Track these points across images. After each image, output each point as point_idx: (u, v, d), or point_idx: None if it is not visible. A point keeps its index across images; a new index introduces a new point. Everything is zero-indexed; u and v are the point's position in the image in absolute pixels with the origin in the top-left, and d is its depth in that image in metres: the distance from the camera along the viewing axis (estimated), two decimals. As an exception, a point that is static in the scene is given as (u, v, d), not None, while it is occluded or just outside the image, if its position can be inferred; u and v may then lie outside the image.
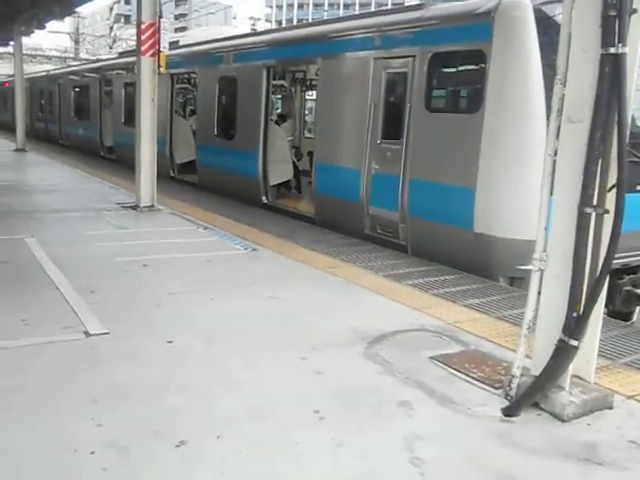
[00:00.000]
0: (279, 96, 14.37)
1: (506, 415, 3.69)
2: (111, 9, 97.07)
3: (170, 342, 4.57)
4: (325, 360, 4.39)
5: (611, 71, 3.45)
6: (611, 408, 3.81)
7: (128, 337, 4.66)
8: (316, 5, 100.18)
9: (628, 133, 3.53)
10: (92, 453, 3.07)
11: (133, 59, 11.41)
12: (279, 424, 3.46)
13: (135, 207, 10.24)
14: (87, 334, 4.63)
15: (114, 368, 4.10)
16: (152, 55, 10.11)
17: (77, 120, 22.20)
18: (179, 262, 6.96)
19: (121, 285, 6.01)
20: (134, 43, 11.99)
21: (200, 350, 4.48)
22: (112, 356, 4.29)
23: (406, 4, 10.28)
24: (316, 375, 4.14)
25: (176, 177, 14.36)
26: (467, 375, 4.22)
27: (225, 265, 6.94)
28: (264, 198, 11.00)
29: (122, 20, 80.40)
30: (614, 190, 3.53)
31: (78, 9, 21.39)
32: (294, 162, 12.22)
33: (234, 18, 72.91)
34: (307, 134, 14.46)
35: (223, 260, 7.13)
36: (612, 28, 3.42)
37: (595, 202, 3.53)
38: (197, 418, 3.48)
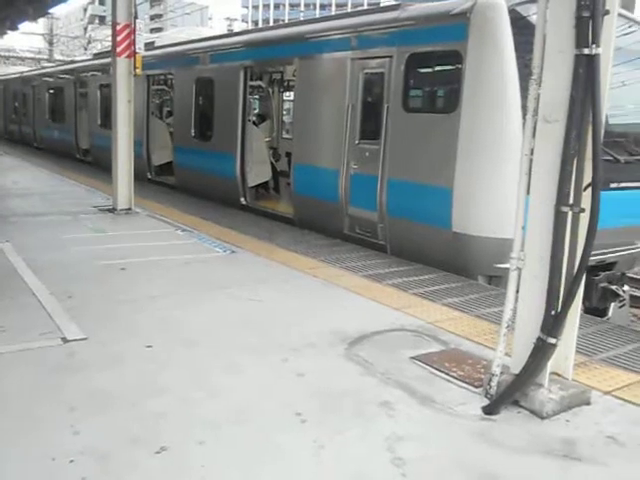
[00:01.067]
0: (256, 97, 14.34)
1: (486, 413, 3.71)
2: (85, 10, 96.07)
3: (149, 346, 4.53)
4: (306, 362, 4.38)
5: (585, 71, 3.48)
6: (589, 404, 3.86)
7: (107, 342, 4.60)
8: (292, 5, 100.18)
9: (602, 132, 3.57)
10: (71, 462, 3.02)
11: (108, 60, 11.30)
12: (261, 428, 3.45)
13: (112, 210, 10.14)
14: (65, 340, 4.57)
15: (93, 374, 4.04)
16: (128, 56, 10.02)
17: (52, 122, 21.91)
18: (157, 265, 6.90)
19: (99, 289, 5.94)
20: (109, 44, 11.90)
21: (180, 354, 4.45)
22: (90, 362, 4.24)
23: (382, 5, 10.30)
24: (297, 377, 4.13)
25: (153, 179, 14.25)
26: (447, 374, 4.24)
27: (204, 268, 6.90)
28: (242, 199, 10.96)
29: (97, 21, 79.60)
30: (590, 189, 3.57)
31: (52, 10, 21.09)
32: (272, 163, 12.19)
33: (210, 19, 72.65)
34: (285, 135, 14.45)
35: (202, 263, 7.09)
36: (586, 29, 3.46)
37: (571, 201, 3.57)
38: (178, 423, 3.45)
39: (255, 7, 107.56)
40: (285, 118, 15.14)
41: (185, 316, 5.27)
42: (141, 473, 3.00)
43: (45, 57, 47.46)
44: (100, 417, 3.48)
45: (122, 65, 10.02)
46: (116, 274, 6.46)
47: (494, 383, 3.84)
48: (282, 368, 4.27)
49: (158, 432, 3.33)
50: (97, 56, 19.78)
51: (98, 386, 3.86)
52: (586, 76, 3.49)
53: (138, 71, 10.18)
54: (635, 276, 10.70)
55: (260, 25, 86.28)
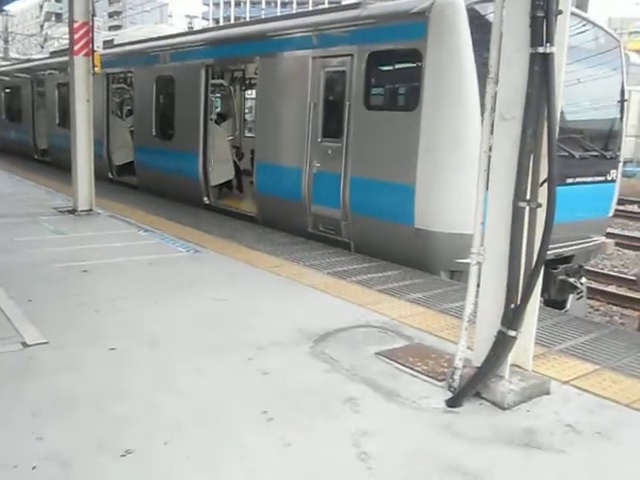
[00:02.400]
0: (218, 95, 14.25)
1: (450, 406, 3.78)
2: (41, 7, 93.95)
3: (112, 349, 4.48)
4: (271, 360, 4.39)
5: (540, 70, 3.57)
6: (548, 394, 3.96)
7: (68, 346, 4.53)
8: (253, 3, 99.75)
9: (557, 129, 3.67)
10: (33, 468, 2.98)
11: (66, 58, 11.10)
12: (227, 427, 3.45)
13: (73, 211, 9.97)
14: (25, 345, 4.48)
15: (54, 378, 3.98)
16: (86, 55, 9.85)
17: (8, 122, 21.41)
18: (120, 266, 6.82)
19: (60, 292, 5.85)
20: (66, 42, 11.65)
21: (143, 355, 4.41)
22: (52, 366, 4.17)
23: (343, 3, 10.34)
24: (263, 375, 4.14)
25: (115, 179, 14.05)
26: (412, 369, 4.30)
27: (167, 268, 6.84)
28: (205, 199, 10.88)
29: (53, 18, 77.93)
30: (546, 184, 3.66)
31: (6, 7, 20.61)
32: (235, 162, 12.14)
33: (170, 16, 71.66)
34: (247, 133, 14.40)
35: (165, 263, 7.03)
36: (540, 28, 3.55)
37: (528, 196, 3.66)
38: (142, 426, 3.43)
39: (216, 4, 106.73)
40: (247, 116, 15.08)
41: (148, 317, 5.23)
42: (106, 477, 2.97)
43: (0, 55, 46.29)
44: (63, 422, 3.43)
45: (80, 64, 9.85)
46: (77, 276, 6.36)
47: (457, 376, 3.91)
48: (247, 367, 4.27)
49: (123, 435, 3.30)
50: (54, 54, 19.38)
51: (61, 390, 3.80)
52: (541, 74, 3.58)
53: (97, 70, 10.02)
54: (592, 269, 11.00)
55: (221, 23, 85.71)
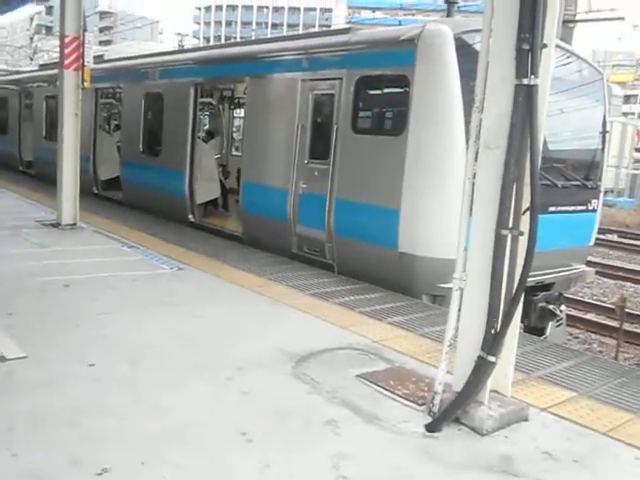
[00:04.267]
0: (207, 113, 14.31)
1: (429, 431, 3.79)
2: (32, 19, 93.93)
3: (92, 365, 4.44)
4: (252, 380, 4.38)
5: (524, 100, 3.66)
6: (527, 420, 3.99)
7: (47, 361, 4.49)
8: (244, 24, 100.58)
9: (540, 159, 3.74)
10: (8, 484, 2.95)
11: (55, 71, 11.10)
12: (205, 447, 3.43)
13: (56, 225, 9.90)
14: (3, 359, 4.43)
15: (32, 394, 3.94)
16: (75, 69, 9.86)
17: (-6, 133, 21.29)
18: (102, 282, 6.78)
19: (41, 306, 5.80)
20: (56, 55, 11.68)
21: (123, 373, 4.38)
22: (30, 381, 4.12)
23: (333, 27, 10.49)
24: (243, 396, 4.13)
25: (100, 194, 14.00)
26: (392, 392, 4.31)
27: (150, 285, 6.82)
28: (191, 216, 10.88)
29: (43, 31, 77.92)
30: (528, 213, 3.73)
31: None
32: (221, 180, 12.16)
33: (161, 33, 71.99)
34: (234, 152, 14.45)
35: (148, 280, 7.00)
36: (525, 60, 3.64)
37: (511, 224, 3.72)
38: (120, 444, 3.40)
39: (207, 24, 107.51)
40: (235, 135, 15.14)
41: (129, 334, 5.19)
42: (81, 495, 2.94)
43: (-12, 66, 46.09)
44: (39, 438, 3.39)
45: (69, 78, 9.86)
46: (59, 291, 6.31)
47: (436, 401, 3.93)
48: (227, 386, 4.25)
49: (100, 453, 3.27)
50: (44, 67, 19.37)
51: (38, 406, 3.76)
52: (525, 105, 3.66)
53: (86, 84, 10.03)
54: (572, 296, 11.11)
55: (212, 42, 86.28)
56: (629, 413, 4.20)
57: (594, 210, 8.36)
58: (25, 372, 4.26)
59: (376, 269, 7.35)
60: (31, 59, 50.06)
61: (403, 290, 7.04)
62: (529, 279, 3.76)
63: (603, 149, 8.52)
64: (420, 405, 4.10)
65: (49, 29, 77.30)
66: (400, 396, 4.25)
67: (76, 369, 4.37)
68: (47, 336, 5.01)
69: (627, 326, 10.12)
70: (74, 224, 9.95)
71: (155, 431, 3.56)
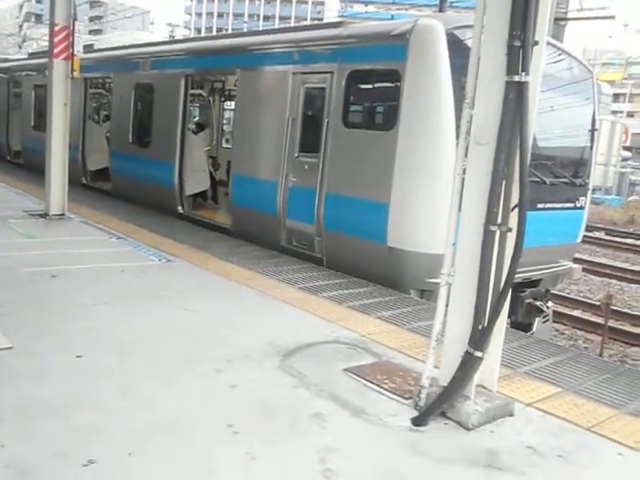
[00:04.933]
0: (197, 105, 14.24)
1: (415, 425, 3.81)
2: (21, 7, 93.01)
3: (79, 356, 4.43)
4: (240, 373, 4.39)
5: (515, 97, 3.67)
6: (512, 415, 4.02)
7: (35, 352, 4.47)
8: (236, 15, 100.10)
9: (529, 156, 3.76)
10: (-7, 475, 2.94)
11: (44, 60, 11.00)
12: (192, 439, 3.43)
13: (44, 215, 9.84)
14: (-11, 349, 4.42)
15: (18, 385, 3.92)
16: (65, 58, 9.78)
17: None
18: (90, 273, 6.75)
19: (28, 297, 5.77)
20: (45, 43, 11.62)
21: (111, 364, 4.37)
22: (16, 372, 4.10)
23: (325, 21, 10.48)
24: (231, 388, 4.13)
25: (89, 184, 13.92)
26: (379, 386, 4.33)
27: (138, 276, 6.79)
28: (180, 208, 10.84)
29: (33, 19, 77.15)
30: (517, 209, 3.75)
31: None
32: (211, 172, 12.13)
33: (152, 23, 71.55)
34: (225, 144, 14.40)
35: (136, 271, 6.98)
36: (516, 57, 3.65)
37: (499, 220, 3.73)
38: (107, 435, 3.39)
39: (198, 14, 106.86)
40: (225, 127, 15.08)
41: (117, 326, 5.18)
42: (67, 486, 2.94)
43: (-24, 54, 45.63)
44: (25, 429, 3.38)
45: (59, 67, 9.78)
46: (47, 282, 6.28)
47: (423, 395, 3.95)
48: (215, 379, 4.26)
49: (86, 444, 3.26)
50: (33, 56, 19.19)
51: (24, 397, 3.75)
52: (515, 102, 3.67)
53: (76, 74, 9.95)
54: (559, 293, 11.19)
55: (203, 33, 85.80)
56: (613, 409, 4.24)
57: (582, 207, 8.43)
58: (12, 363, 4.24)
59: (365, 263, 7.36)
60: (20, 47, 49.61)
61: (391, 285, 7.06)
62: (516, 275, 3.78)
63: (592, 147, 8.58)
64: (407, 399, 4.12)
65: (39, 17, 76.55)
66: (387, 390, 4.27)
67: (63, 360, 4.35)
68: (34, 327, 4.99)
69: (612, 323, 10.22)
70: (62, 214, 9.89)
71: (142, 423, 3.56)
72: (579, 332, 10.65)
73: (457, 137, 4.14)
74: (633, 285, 14.33)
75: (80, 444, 3.27)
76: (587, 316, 11.27)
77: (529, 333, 7.54)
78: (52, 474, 3.01)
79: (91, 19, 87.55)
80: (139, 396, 3.91)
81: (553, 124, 7.84)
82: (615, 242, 20.18)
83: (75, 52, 9.86)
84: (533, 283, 7.89)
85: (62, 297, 5.84)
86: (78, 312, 5.42)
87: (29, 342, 4.62)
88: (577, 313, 11.45)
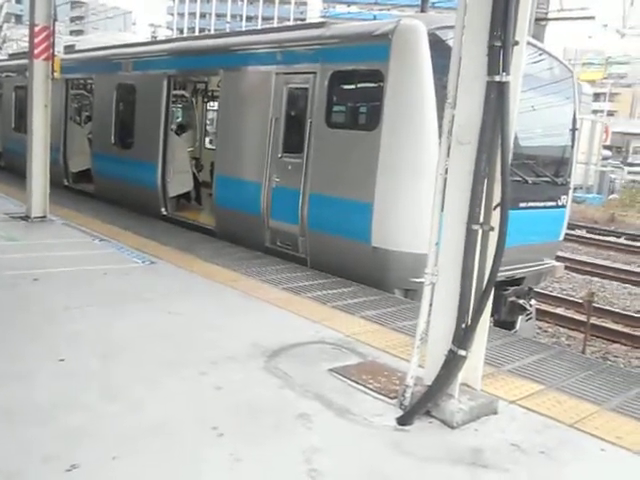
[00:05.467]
0: (180, 106, 14.18)
1: (400, 424, 3.83)
2: (1, 7, 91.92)
3: (62, 360, 4.39)
4: (225, 375, 4.37)
5: (496, 97, 3.69)
6: (496, 413, 4.05)
7: (18, 356, 4.42)
8: (218, 15, 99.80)
9: (511, 155, 3.79)
10: (-25, 481, 2.90)
11: (25, 61, 10.90)
12: (177, 442, 3.42)
13: (26, 217, 9.73)
14: (-30, 353, 4.37)
15: (2, 389, 3.88)
16: (46, 59, 9.69)
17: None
18: (73, 276, 6.70)
19: (10, 301, 5.70)
20: (26, 44, 11.45)
21: (94, 368, 4.34)
22: (0, 376, 4.07)
23: (308, 21, 10.48)
24: (215, 390, 4.12)
25: (71, 186, 13.80)
26: (364, 386, 4.34)
27: (122, 279, 6.75)
28: (163, 209, 10.79)
29: (13, 20, 76.30)
30: (499, 208, 3.78)
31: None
32: (194, 173, 12.08)
33: (134, 24, 71.11)
34: (208, 145, 14.35)
35: (120, 274, 6.93)
36: (497, 58, 3.67)
37: (481, 219, 3.76)
38: (91, 439, 3.36)
39: (181, 15, 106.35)
40: (209, 128, 15.03)
41: (100, 328, 5.14)
42: (50, 491, 2.92)
43: (-45, 55, 45.01)
44: (7, 434, 3.35)
45: (39, 68, 9.68)
46: (29, 285, 6.21)
47: (408, 394, 3.97)
48: (200, 381, 4.24)
49: (70, 449, 3.24)
50: (13, 56, 18.99)
51: (6, 402, 3.71)
52: (496, 102, 3.69)
53: (56, 74, 9.88)
54: (541, 291, 11.28)
55: (185, 33, 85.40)
56: (595, 405, 4.29)
57: (564, 206, 8.50)
58: (-7, 367, 4.20)
59: (349, 263, 7.37)
60: (0, 48, 49.03)
61: (376, 284, 7.08)
62: (499, 274, 3.81)
63: (573, 146, 8.66)
64: (392, 399, 4.13)
65: (19, 17, 75.66)
66: (372, 390, 4.28)
67: (47, 364, 4.31)
68: (17, 331, 4.94)
69: (594, 320, 10.32)
70: (44, 217, 9.80)
71: (127, 426, 3.54)
72: (562, 329, 10.75)
73: (439, 137, 4.16)
74: (614, 282, 14.49)
75: (64, 448, 3.24)
76: (570, 314, 11.38)
77: (512, 331, 7.60)
78: (36, 479, 2.98)
79: (72, 19, 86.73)
80: (124, 399, 3.88)
81: (534, 123, 7.91)
82: (596, 240, 20.39)
83: (56, 53, 9.79)
84: (516, 281, 7.95)
85: (45, 300, 5.79)
86: (61, 315, 5.38)
87: (12, 346, 4.58)
88: (560, 311, 11.56)
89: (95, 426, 3.51)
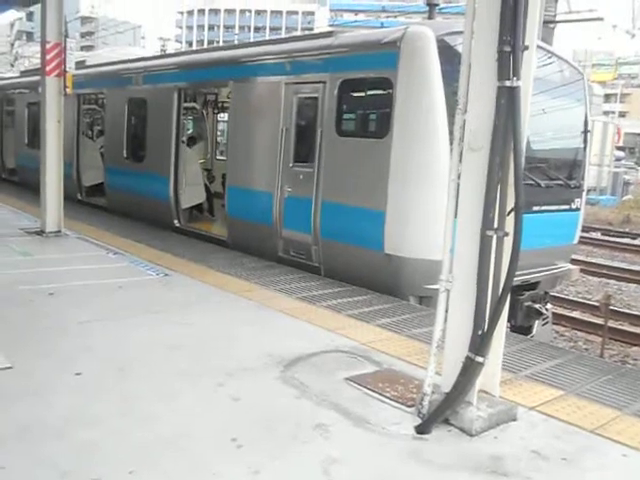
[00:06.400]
0: (190, 118, 14.27)
1: (419, 433, 3.80)
2: (12, 25, 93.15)
3: (79, 374, 4.40)
4: (241, 386, 4.37)
5: (507, 102, 3.68)
6: (515, 420, 4.01)
7: (34, 371, 4.45)
8: (227, 27, 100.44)
9: (524, 160, 3.77)
10: (-5, 497, 2.91)
11: (37, 78, 11.02)
12: (195, 455, 3.41)
13: (40, 232, 9.81)
14: (-12, 369, 4.39)
15: (18, 405, 3.90)
16: (57, 75, 9.80)
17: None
18: (88, 289, 6.73)
19: (26, 315, 5.74)
20: (37, 61, 11.62)
21: (111, 381, 4.35)
22: (16, 392, 4.08)
23: (316, 31, 10.52)
24: (233, 402, 4.11)
25: (84, 200, 13.91)
26: (381, 395, 4.31)
27: (137, 292, 6.77)
28: (176, 221, 10.84)
29: (24, 37, 77.26)
30: (513, 213, 3.75)
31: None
32: (206, 184, 12.13)
33: (143, 38, 71.73)
34: (219, 156, 14.41)
35: (134, 286, 6.96)
36: (507, 63, 3.67)
37: (496, 225, 3.74)
38: (109, 454, 3.37)
39: (189, 28, 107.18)
40: (220, 139, 15.10)
41: (116, 342, 5.16)
42: (70, 506, 2.92)
43: (-32, 73, 45.63)
44: (27, 450, 3.35)
45: (52, 84, 9.79)
46: (44, 299, 6.25)
47: (426, 402, 3.94)
48: (217, 393, 4.24)
49: (88, 464, 3.24)
50: (25, 73, 19.22)
51: (25, 417, 3.72)
52: (507, 107, 3.68)
53: (69, 90, 9.97)
54: (557, 295, 11.19)
55: (194, 46, 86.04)
56: (615, 410, 4.23)
57: (577, 209, 8.44)
58: (11, 383, 4.21)
59: (363, 271, 7.36)
60: (12, 65, 49.67)
61: (390, 292, 7.06)
62: (515, 278, 3.78)
63: (585, 148, 8.60)
64: (409, 407, 4.11)
65: (30, 35, 76.59)
66: (389, 398, 4.26)
67: (63, 379, 4.33)
68: (33, 346, 4.96)
69: (612, 323, 10.20)
70: (58, 231, 9.87)
71: (145, 440, 3.54)
72: (579, 333, 10.63)
73: (451, 143, 4.15)
74: (631, 285, 14.34)
75: (82, 464, 3.24)
76: (586, 317, 11.26)
77: (529, 336, 7.54)
78: (55, 494, 2.99)
79: (82, 35, 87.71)
80: (140, 412, 3.89)
81: (546, 127, 7.87)
82: (611, 242, 20.21)
83: (67, 69, 9.88)
84: (531, 286, 7.88)
85: (60, 315, 5.81)
86: (77, 329, 5.40)
87: (28, 361, 4.60)
88: (576, 314, 11.45)
89: (113, 440, 3.51)
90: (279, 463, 3.39)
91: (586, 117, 8.57)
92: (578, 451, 3.67)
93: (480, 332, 3.77)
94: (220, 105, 13.80)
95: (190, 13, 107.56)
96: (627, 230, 23.36)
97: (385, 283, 7.12)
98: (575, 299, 12.58)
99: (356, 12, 63.14)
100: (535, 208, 7.27)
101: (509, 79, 3.64)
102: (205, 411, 3.97)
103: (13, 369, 4.42)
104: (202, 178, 11.96)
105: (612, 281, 14.63)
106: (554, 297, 10.22)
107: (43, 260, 8.22)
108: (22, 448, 3.37)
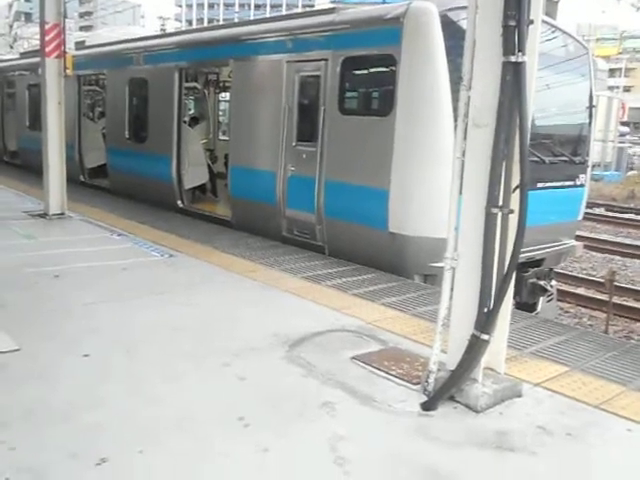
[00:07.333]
0: (192, 98, 14.19)
1: (425, 410, 3.82)
2: (10, 6, 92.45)
3: (86, 355, 4.43)
4: (247, 365, 4.39)
5: (512, 78, 3.64)
6: (520, 396, 4.03)
7: (41, 353, 4.48)
8: (227, 5, 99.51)
9: (529, 136, 3.73)
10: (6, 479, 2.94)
11: (37, 60, 10.94)
12: (203, 434, 3.44)
13: (44, 215, 9.82)
14: (-4, 352, 4.42)
15: (27, 387, 3.93)
16: (57, 56, 9.72)
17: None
18: (93, 271, 6.75)
19: (31, 298, 5.76)
20: (37, 42, 11.51)
21: (118, 362, 4.37)
22: (24, 374, 4.11)
23: (317, 7, 10.39)
24: (239, 381, 4.14)
25: (87, 182, 13.90)
26: (387, 373, 4.33)
27: (141, 273, 6.79)
28: (179, 202, 10.83)
29: (23, 18, 76.63)
30: (518, 190, 3.73)
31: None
32: (209, 165, 12.10)
33: (142, 17, 71.12)
34: (222, 136, 14.35)
35: (139, 268, 6.97)
36: (512, 38, 3.62)
37: (501, 202, 3.72)
38: (117, 434, 3.40)
39: (189, 6, 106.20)
40: (222, 119, 15.03)
41: (121, 323, 5.18)
42: (81, 485, 2.95)
43: (-33, 55, 45.34)
44: (36, 431, 3.39)
45: (52, 66, 9.72)
46: (49, 282, 6.28)
47: (431, 380, 3.96)
48: (223, 373, 4.26)
49: (97, 444, 3.27)
50: (25, 55, 19.08)
51: (33, 399, 3.75)
52: (513, 82, 3.64)
53: (69, 72, 9.89)
54: (562, 271, 11.18)
55: (194, 24, 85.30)
56: (620, 385, 4.25)
57: (582, 185, 8.40)
58: (19, 365, 4.24)
59: (367, 250, 7.35)
60: (11, 47, 49.34)
61: (395, 270, 7.06)
62: (520, 255, 3.77)
63: (590, 124, 8.54)
64: (415, 384, 4.13)
65: (28, 16, 76.07)
66: (395, 376, 4.28)
67: (70, 360, 4.36)
68: (40, 328, 4.99)
69: (616, 299, 10.22)
70: (62, 214, 9.87)
71: (152, 420, 3.56)
72: (584, 310, 10.65)
73: (455, 120, 4.11)
74: (636, 260, 14.32)
75: (91, 444, 3.28)
76: (591, 293, 11.28)
77: (534, 313, 7.56)
78: (65, 475, 3.02)
79: (81, 15, 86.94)
80: (148, 393, 3.91)
81: (551, 103, 7.80)
82: (616, 218, 20.15)
83: (67, 50, 9.80)
84: (536, 262, 7.88)
85: (66, 297, 5.84)
86: (83, 311, 5.42)
87: (35, 343, 4.63)
88: (581, 291, 11.46)
89: (121, 421, 3.54)
90: (286, 441, 3.41)
91: (591, 92, 8.48)
92: (583, 426, 3.69)
93: (486, 310, 3.77)
94: (222, 84, 13.71)
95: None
96: (632, 206, 23.26)
97: (390, 262, 7.11)
98: (580, 275, 12.58)
99: (357, -12, 62.39)
100: (539, 185, 7.23)
101: (514, 54, 3.60)
102: (212, 391, 4.00)
103: (21, 351, 4.44)
104: (205, 158, 11.92)
105: (616, 257, 14.62)
106: (559, 274, 10.22)
107: (47, 243, 8.23)
108: (31, 429, 3.40)
